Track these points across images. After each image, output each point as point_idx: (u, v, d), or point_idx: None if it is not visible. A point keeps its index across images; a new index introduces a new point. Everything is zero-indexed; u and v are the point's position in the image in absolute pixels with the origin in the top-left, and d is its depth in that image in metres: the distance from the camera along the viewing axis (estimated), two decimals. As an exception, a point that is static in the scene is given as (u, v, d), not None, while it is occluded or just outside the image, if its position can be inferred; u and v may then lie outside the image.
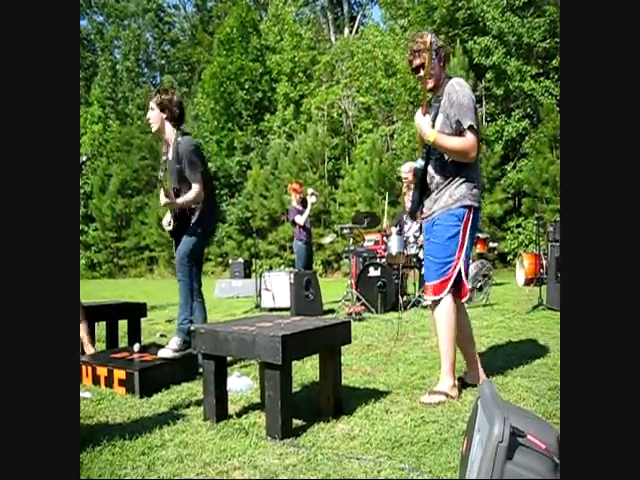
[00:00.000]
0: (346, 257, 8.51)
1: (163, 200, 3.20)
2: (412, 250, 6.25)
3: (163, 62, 28.73)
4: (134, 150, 20.82)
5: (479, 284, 6.38)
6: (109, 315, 3.99)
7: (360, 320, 5.38)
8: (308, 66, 19.59)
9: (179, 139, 3.21)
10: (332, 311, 6.31)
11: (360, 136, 17.06)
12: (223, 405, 2.40)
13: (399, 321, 4.84)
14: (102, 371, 2.98)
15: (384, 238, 6.85)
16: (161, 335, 4.67)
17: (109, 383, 2.94)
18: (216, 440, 2.10)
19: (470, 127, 2.52)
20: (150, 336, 4.62)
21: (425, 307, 5.80)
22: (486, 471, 1.19)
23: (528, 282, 7.92)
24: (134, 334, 4.03)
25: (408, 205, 2.76)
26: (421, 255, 5.82)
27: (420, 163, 2.72)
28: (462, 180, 2.62)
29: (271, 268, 13.27)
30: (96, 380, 3.00)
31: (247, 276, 10.49)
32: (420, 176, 2.73)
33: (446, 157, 2.64)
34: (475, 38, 13.49)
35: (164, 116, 3.23)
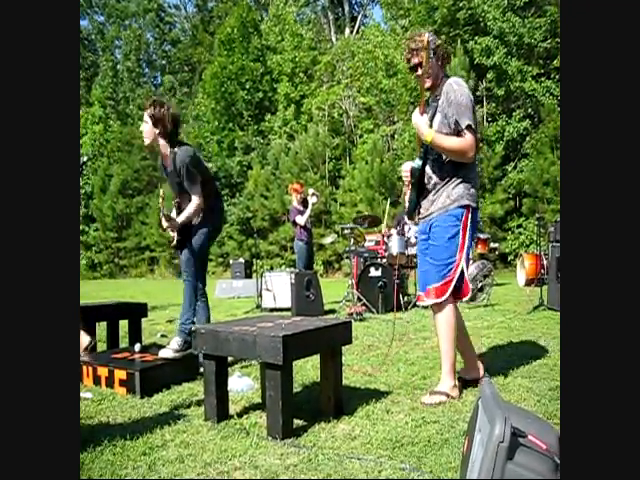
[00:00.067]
0: (347, 257, 8.51)
1: (165, 224, 3.19)
2: (413, 250, 6.24)
3: (164, 62, 28.74)
4: (135, 150, 20.81)
5: (480, 284, 6.38)
6: (110, 315, 3.99)
7: (361, 320, 5.38)
8: (309, 66, 19.59)
9: (175, 149, 3.16)
10: (333, 311, 6.32)
11: (361, 136, 17.05)
12: (224, 405, 2.40)
13: (400, 321, 4.83)
14: (103, 371, 2.98)
15: (385, 238, 6.85)
16: (162, 335, 4.68)
17: (110, 383, 2.94)
18: (217, 440, 2.10)
19: (468, 127, 2.51)
20: (151, 336, 4.62)
21: (426, 307, 5.79)
22: (487, 471, 1.19)
23: (529, 282, 7.91)
24: (135, 334, 4.04)
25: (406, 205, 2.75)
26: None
27: (417, 163, 2.69)
28: (459, 180, 2.61)
29: (272, 268, 13.26)
30: (97, 380, 3.00)
31: (248, 276, 10.49)
32: (417, 176, 2.71)
33: (444, 157, 2.62)
34: (476, 38, 13.49)
35: (157, 131, 3.16)
